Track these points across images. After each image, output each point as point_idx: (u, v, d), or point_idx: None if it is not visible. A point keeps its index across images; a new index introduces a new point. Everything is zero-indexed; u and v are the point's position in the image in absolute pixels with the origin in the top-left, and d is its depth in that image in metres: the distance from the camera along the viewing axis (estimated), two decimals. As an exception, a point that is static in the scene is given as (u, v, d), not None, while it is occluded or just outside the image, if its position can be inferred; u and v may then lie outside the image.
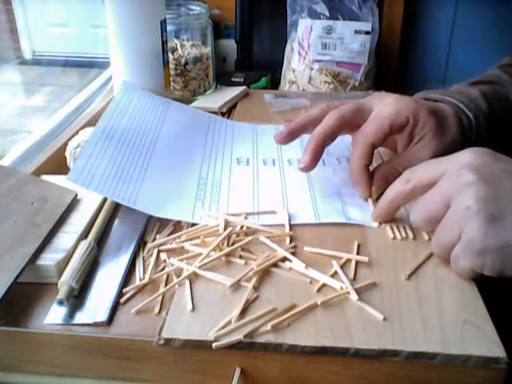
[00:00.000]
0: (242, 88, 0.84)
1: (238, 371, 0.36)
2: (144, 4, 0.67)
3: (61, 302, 0.38)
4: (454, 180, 0.38)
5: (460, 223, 0.37)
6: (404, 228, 0.48)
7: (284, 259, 0.43)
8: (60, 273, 0.40)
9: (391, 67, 1.01)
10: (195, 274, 0.42)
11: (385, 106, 0.51)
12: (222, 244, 0.45)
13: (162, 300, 0.40)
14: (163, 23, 0.70)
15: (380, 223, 0.48)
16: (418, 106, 0.51)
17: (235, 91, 0.83)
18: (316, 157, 0.51)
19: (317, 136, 0.51)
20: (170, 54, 0.78)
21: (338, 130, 0.52)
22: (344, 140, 0.66)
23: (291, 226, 0.48)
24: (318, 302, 0.38)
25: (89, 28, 1.40)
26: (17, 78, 1.31)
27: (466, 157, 0.38)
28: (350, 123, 0.52)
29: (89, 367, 0.38)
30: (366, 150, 0.50)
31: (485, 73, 0.64)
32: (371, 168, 0.52)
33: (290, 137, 0.55)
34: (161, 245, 0.46)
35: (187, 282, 0.41)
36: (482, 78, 0.62)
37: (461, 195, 0.37)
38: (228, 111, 0.78)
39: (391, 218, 0.48)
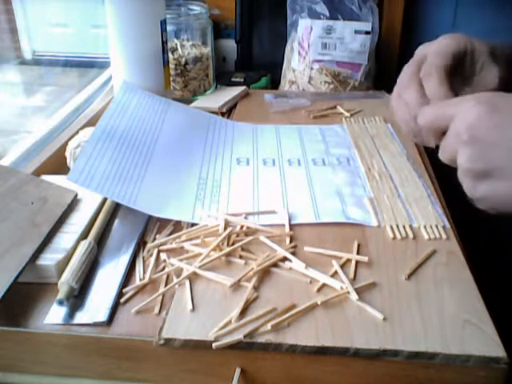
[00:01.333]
0: (242, 88, 0.84)
1: (238, 371, 0.36)
2: (144, 4, 0.67)
3: (61, 302, 0.38)
4: (456, 137, 0.40)
5: (461, 178, 0.40)
6: (404, 228, 0.48)
7: (284, 259, 0.43)
8: (60, 273, 0.40)
9: (391, 67, 1.01)
10: (195, 274, 0.42)
11: (440, 43, 0.50)
12: (222, 244, 0.45)
13: (162, 300, 0.40)
14: (163, 23, 0.70)
15: (379, 225, 0.48)
16: (469, 38, 0.51)
17: (235, 91, 0.83)
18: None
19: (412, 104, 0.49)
20: (170, 54, 0.78)
21: (418, 88, 0.49)
22: (344, 140, 0.66)
23: (291, 226, 0.48)
24: (318, 302, 0.38)
25: (89, 28, 1.40)
26: (17, 78, 1.31)
27: (467, 111, 0.40)
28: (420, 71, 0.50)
29: (89, 367, 0.38)
30: (443, 74, 0.48)
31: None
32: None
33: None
34: (161, 245, 0.46)
35: (187, 282, 0.41)
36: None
37: (459, 153, 0.40)
38: (228, 111, 0.78)
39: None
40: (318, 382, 0.37)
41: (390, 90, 0.60)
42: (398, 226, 0.48)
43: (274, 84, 0.95)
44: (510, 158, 0.38)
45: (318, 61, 0.87)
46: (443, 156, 0.43)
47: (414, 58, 0.52)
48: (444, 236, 0.47)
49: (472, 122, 0.39)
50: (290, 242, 0.46)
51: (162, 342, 0.35)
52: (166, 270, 0.43)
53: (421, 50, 0.52)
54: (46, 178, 0.52)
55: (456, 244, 0.46)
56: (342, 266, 0.42)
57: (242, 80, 0.90)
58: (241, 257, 0.44)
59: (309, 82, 0.88)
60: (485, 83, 0.51)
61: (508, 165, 0.38)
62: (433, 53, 0.50)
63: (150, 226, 0.49)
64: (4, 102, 1.13)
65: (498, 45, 0.54)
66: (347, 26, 0.86)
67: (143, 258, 0.45)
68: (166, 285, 0.41)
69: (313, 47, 0.87)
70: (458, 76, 0.52)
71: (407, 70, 0.51)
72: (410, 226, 0.48)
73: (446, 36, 0.51)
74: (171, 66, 0.79)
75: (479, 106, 0.39)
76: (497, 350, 0.34)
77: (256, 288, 0.40)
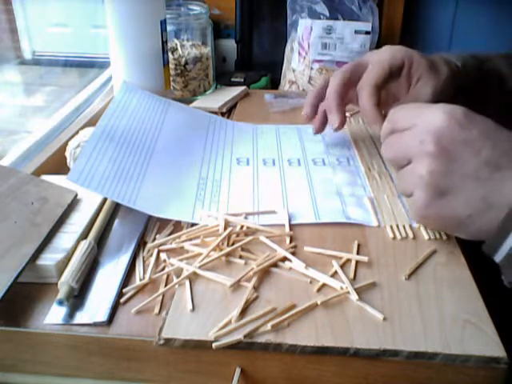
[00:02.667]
0: (242, 88, 0.84)
1: (238, 371, 0.36)
2: (144, 4, 0.67)
3: (61, 302, 0.38)
4: (418, 144, 0.39)
5: (413, 185, 0.40)
6: (404, 228, 0.48)
7: (284, 259, 0.43)
8: (60, 273, 0.40)
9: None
10: (195, 274, 0.42)
11: (380, 54, 0.56)
12: (222, 244, 0.45)
13: (162, 300, 0.40)
14: (163, 23, 0.70)
15: (379, 225, 0.48)
16: (410, 51, 0.56)
17: (235, 91, 0.83)
18: (341, 112, 0.56)
19: (332, 95, 0.56)
20: (170, 54, 0.78)
21: (344, 84, 0.56)
22: (344, 140, 0.66)
23: (291, 226, 0.48)
24: (318, 302, 0.38)
25: (89, 28, 1.40)
26: (17, 78, 1.31)
27: (437, 119, 0.39)
28: (352, 78, 0.56)
29: (89, 367, 0.38)
30: (372, 90, 0.53)
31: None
32: None
33: (313, 110, 0.60)
34: (161, 245, 0.46)
35: (187, 282, 0.41)
36: (475, 52, 0.64)
37: (419, 161, 0.39)
38: (228, 111, 0.78)
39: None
40: (317, 382, 0.37)
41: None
42: (397, 226, 0.48)
43: (274, 84, 0.95)
44: (473, 178, 0.37)
45: (318, 61, 0.87)
46: (389, 153, 0.43)
47: (356, 61, 0.58)
48: (444, 236, 0.47)
49: (441, 131, 0.38)
50: (290, 242, 0.46)
51: (161, 342, 0.35)
52: (166, 270, 0.43)
53: (365, 57, 0.58)
54: (45, 177, 0.52)
55: (456, 244, 0.46)
56: (342, 266, 0.42)
57: (242, 80, 0.90)
58: (241, 257, 0.44)
59: (309, 82, 0.88)
60: (419, 95, 0.55)
61: (469, 185, 0.37)
62: (372, 63, 0.55)
63: (150, 226, 0.49)
64: (4, 102, 1.13)
65: (451, 59, 0.58)
66: (347, 26, 0.86)
67: (143, 257, 0.45)
68: (166, 285, 0.41)
69: (313, 47, 0.87)
70: (397, 83, 0.56)
71: (343, 67, 0.57)
72: (410, 226, 0.48)
73: (388, 47, 0.57)
74: (171, 66, 0.79)
75: (450, 117, 0.39)
76: (497, 350, 0.34)
77: (256, 288, 0.40)
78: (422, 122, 0.40)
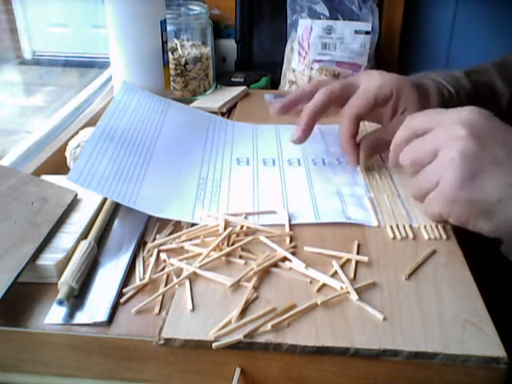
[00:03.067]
0: (242, 88, 0.84)
1: (238, 371, 0.36)
2: (144, 4, 0.67)
3: (61, 302, 0.38)
4: (447, 132, 0.41)
5: (441, 172, 0.40)
6: (404, 228, 0.48)
7: (284, 259, 0.43)
8: (60, 273, 0.40)
9: (391, 67, 1.01)
10: (195, 274, 0.42)
11: (371, 81, 0.56)
12: (222, 244, 0.45)
13: (162, 300, 0.40)
14: (163, 23, 0.70)
15: (379, 225, 0.48)
16: (401, 81, 0.56)
17: (235, 91, 0.83)
18: (307, 130, 0.57)
19: (309, 111, 0.56)
20: (170, 54, 0.78)
21: (327, 104, 0.56)
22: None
23: (291, 226, 0.48)
24: (318, 302, 0.38)
25: (89, 28, 1.40)
26: (17, 78, 1.31)
27: (463, 112, 0.41)
28: (339, 98, 0.57)
29: (89, 367, 0.38)
30: (353, 120, 0.55)
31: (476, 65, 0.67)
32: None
33: (283, 109, 0.60)
34: (161, 245, 0.46)
35: (187, 282, 0.41)
36: (472, 68, 0.65)
37: (449, 147, 0.40)
38: (228, 111, 0.78)
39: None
40: (317, 382, 0.37)
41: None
42: (397, 226, 0.48)
43: (274, 84, 0.95)
44: (500, 165, 0.39)
45: (318, 61, 0.87)
46: (412, 155, 0.44)
47: (346, 80, 0.59)
48: (444, 236, 0.47)
49: (471, 120, 0.40)
50: (290, 242, 0.46)
51: (161, 342, 0.35)
52: (166, 269, 0.43)
53: (357, 77, 0.59)
54: (46, 177, 0.52)
55: (456, 244, 0.46)
56: (342, 266, 0.42)
57: (242, 80, 0.90)
58: (241, 257, 0.44)
59: (309, 82, 0.88)
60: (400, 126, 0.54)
61: (498, 171, 0.39)
62: (360, 90, 0.56)
63: (150, 226, 0.49)
64: (4, 102, 1.13)
65: (447, 83, 0.59)
66: (347, 26, 0.86)
67: (143, 257, 0.45)
68: (166, 285, 0.41)
69: (313, 47, 0.87)
70: (380, 110, 0.57)
71: (332, 84, 0.57)
72: (410, 226, 0.48)
73: (380, 75, 0.57)
74: (171, 66, 0.79)
75: (477, 112, 0.41)
76: (497, 350, 0.34)
77: (256, 288, 0.40)
78: (448, 119, 0.42)
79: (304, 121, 0.56)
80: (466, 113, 0.41)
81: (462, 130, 0.40)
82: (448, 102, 0.57)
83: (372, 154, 0.56)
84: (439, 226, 0.48)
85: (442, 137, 0.41)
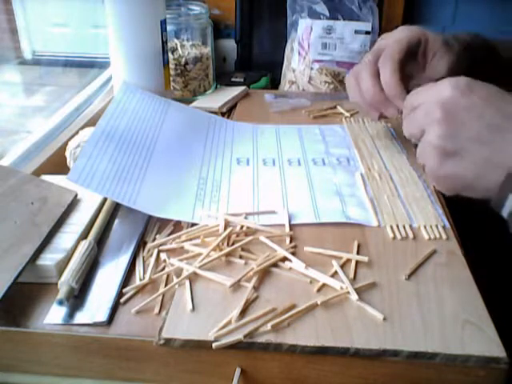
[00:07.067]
0: (242, 88, 0.84)
1: (238, 371, 0.36)
2: (144, 4, 0.67)
3: (61, 302, 0.38)
4: (427, 114, 0.43)
5: (424, 156, 0.44)
6: (404, 228, 0.48)
7: (284, 259, 0.43)
8: (60, 273, 0.40)
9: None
10: (195, 274, 0.42)
11: (396, 34, 0.58)
12: (222, 244, 0.45)
13: (162, 300, 0.40)
14: (163, 23, 0.70)
15: (379, 225, 0.48)
16: (424, 30, 0.58)
17: (235, 91, 0.82)
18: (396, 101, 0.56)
19: (372, 95, 0.57)
20: (170, 54, 0.78)
21: (377, 82, 0.57)
22: (344, 140, 0.66)
23: (291, 226, 0.48)
24: (318, 302, 0.38)
25: (89, 28, 1.40)
26: (17, 78, 1.31)
27: (441, 91, 0.43)
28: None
29: (89, 367, 0.38)
30: (396, 65, 0.55)
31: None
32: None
33: (378, 113, 0.60)
34: (161, 245, 0.46)
35: (187, 282, 0.41)
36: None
37: (429, 129, 0.43)
38: (228, 111, 0.78)
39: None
40: (318, 382, 0.37)
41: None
42: (397, 226, 0.48)
43: (274, 84, 0.95)
44: (477, 140, 0.40)
45: (318, 61, 0.87)
46: (408, 130, 0.47)
47: (374, 47, 0.60)
48: (444, 236, 0.47)
49: (446, 100, 0.42)
50: (290, 241, 0.46)
51: (162, 342, 0.35)
52: (166, 270, 0.43)
53: (381, 40, 0.60)
54: (45, 177, 0.52)
55: (456, 244, 0.46)
56: (342, 266, 0.42)
57: (242, 80, 0.90)
58: (241, 257, 0.44)
59: (309, 81, 0.88)
60: (435, 70, 0.58)
61: (474, 147, 0.40)
62: (390, 43, 0.57)
63: (150, 226, 0.49)
64: (4, 102, 1.13)
65: (459, 36, 0.60)
66: (347, 26, 0.86)
67: (143, 257, 0.45)
68: (165, 285, 0.41)
69: (313, 47, 0.87)
70: (413, 62, 0.59)
71: (365, 59, 0.59)
72: (410, 226, 0.48)
73: (404, 27, 0.59)
74: (171, 66, 0.79)
75: (453, 87, 0.42)
76: (497, 350, 0.34)
77: (256, 288, 0.40)
78: (429, 97, 0.44)
79: (393, 98, 0.56)
80: (444, 90, 0.42)
81: (438, 112, 0.42)
82: (467, 48, 0.59)
83: None
84: (439, 226, 0.48)
85: (424, 117, 0.43)
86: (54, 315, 0.38)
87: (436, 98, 0.42)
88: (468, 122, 0.40)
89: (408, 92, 0.51)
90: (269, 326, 0.36)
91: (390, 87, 0.55)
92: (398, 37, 0.57)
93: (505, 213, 0.39)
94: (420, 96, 0.45)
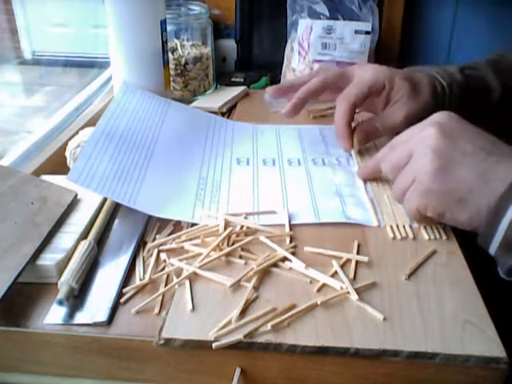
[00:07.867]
0: (242, 88, 0.84)
1: (238, 371, 0.36)
2: (144, 4, 0.67)
3: (61, 302, 0.38)
4: (419, 135, 0.44)
5: (416, 170, 0.43)
6: (404, 228, 0.48)
7: (284, 259, 0.43)
8: (60, 273, 0.40)
9: (391, 67, 1.01)
10: (195, 274, 0.42)
11: (365, 73, 0.60)
12: (222, 244, 0.45)
13: (162, 300, 0.40)
14: (163, 23, 0.70)
15: (379, 225, 0.48)
16: (394, 73, 0.60)
17: (235, 91, 0.82)
18: (298, 105, 0.61)
19: (301, 91, 0.61)
20: (170, 54, 0.78)
21: (321, 88, 0.61)
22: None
23: (291, 226, 0.48)
24: (318, 302, 0.38)
25: (89, 28, 1.40)
26: (17, 78, 1.31)
27: (433, 116, 0.45)
28: (333, 86, 0.61)
29: (89, 367, 0.38)
30: (349, 108, 0.58)
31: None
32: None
33: (279, 92, 0.66)
34: (161, 245, 0.46)
35: (187, 282, 0.41)
36: (466, 63, 0.66)
37: (422, 146, 0.43)
38: (228, 111, 0.78)
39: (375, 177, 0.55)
40: (318, 382, 0.37)
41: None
42: (397, 226, 0.48)
43: (274, 84, 0.95)
44: (471, 156, 0.41)
45: (318, 61, 0.87)
46: (392, 164, 0.47)
47: (342, 70, 0.62)
48: (444, 236, 0.47)
49: (439, 119, 0.44)
50: (290, 241, 0.46)
51: (162, 342, 0.35)
52: (166, 270, 0.43)
53: (351, 69, 0.62)
54: (45, 177, 0.52)
55: (456, 244, 0.46)
56: (342, 266, 0.43)
57: (242, 80, 0.90)
58: (241, 257, 0.44)
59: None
60: (391, 116, 0.59)
61: (467, 161, 0.41)
62: (355, 82, 0.60)
63: (150, 226, 0.49)
64: (4, 102, 1.13)
65: (454, 73, 0.61)
66: (347, 26, 0.86)
67: (143, 257, 0.45)
68: (166, 285, 0.41)
69: (313, 47, 0.87)
70: (377, 99, 0.61)
71: (323, 75, 0.61)
72: (410, 226, 0.48)
73: (373, 68, 0.61)
74: (171, 66, 0.79)
75: (444, 113, 0.44)
76: (497, 350, 0.34)
77: (256, 288, 0.40)
78: (420, 125, 0.45)
79: (296, 95, 0.61)
80: (436, 115, 0.44)
81: (432, 129, 0.42)
82: (440, 95, 0.60)
83: (365, 140, 0.60)
84: (439, 226, 0.48)
85: (415, 140, 0.44)
86: (53, 315, 0.38)
87: (428, 121, 0.44)
88: (462, 140, 0.42)
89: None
90: (269, 326, 0.36)
91: (338, 127, 0.59)
92: (365, 78, 0.59)
93: (496, 241, 0.39)
94: (404, 136, 0.47)
